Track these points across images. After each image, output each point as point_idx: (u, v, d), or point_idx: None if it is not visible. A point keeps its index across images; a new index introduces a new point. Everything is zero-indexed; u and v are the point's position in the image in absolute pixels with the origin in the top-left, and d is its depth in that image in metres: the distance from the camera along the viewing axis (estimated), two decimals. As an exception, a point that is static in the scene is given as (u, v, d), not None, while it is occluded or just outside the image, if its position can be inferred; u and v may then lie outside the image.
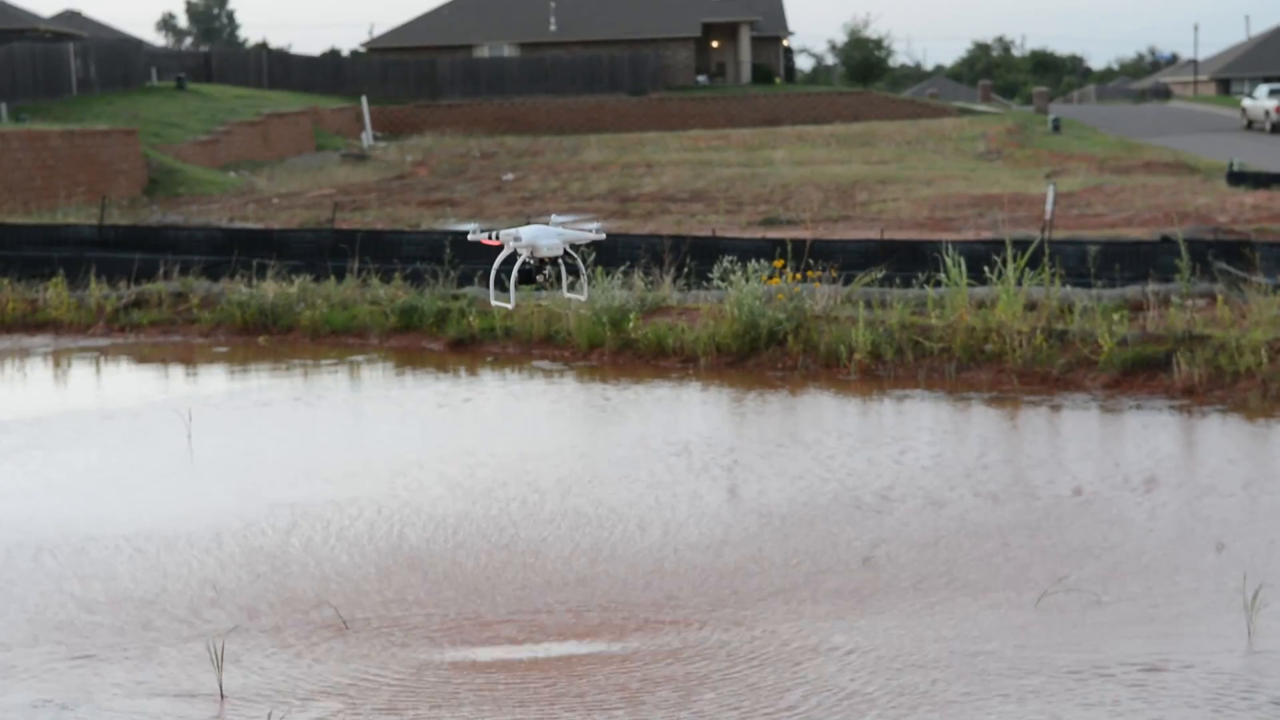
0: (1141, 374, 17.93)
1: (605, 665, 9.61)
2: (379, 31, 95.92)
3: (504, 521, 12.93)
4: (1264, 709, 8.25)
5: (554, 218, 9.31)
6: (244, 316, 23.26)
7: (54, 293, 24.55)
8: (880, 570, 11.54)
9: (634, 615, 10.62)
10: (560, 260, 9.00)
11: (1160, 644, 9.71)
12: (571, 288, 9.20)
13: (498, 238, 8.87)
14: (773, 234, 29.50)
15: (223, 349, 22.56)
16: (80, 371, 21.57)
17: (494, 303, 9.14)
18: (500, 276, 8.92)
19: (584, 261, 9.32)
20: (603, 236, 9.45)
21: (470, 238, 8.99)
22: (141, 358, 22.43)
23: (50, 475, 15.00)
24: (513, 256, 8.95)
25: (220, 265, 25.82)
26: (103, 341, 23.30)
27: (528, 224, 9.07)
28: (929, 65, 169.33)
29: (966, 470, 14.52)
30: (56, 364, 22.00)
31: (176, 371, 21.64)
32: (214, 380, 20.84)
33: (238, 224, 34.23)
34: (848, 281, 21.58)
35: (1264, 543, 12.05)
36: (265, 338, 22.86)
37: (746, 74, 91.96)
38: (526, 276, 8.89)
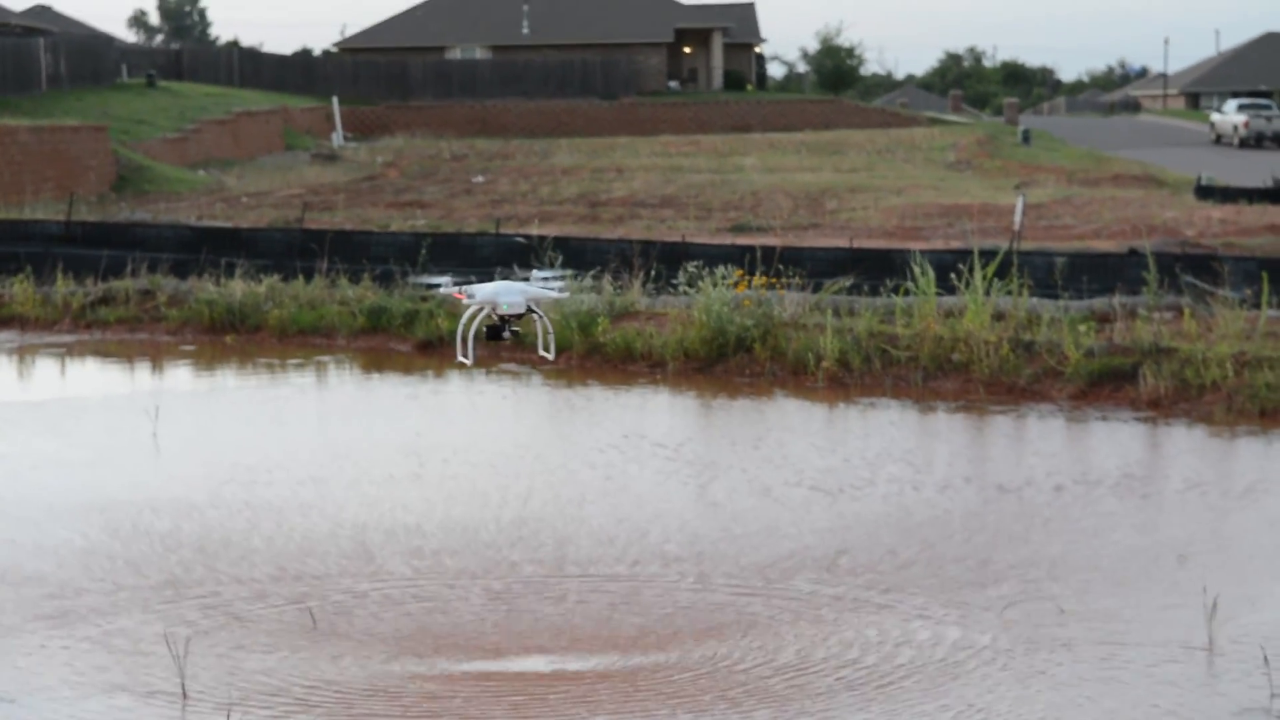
0: (1108, 385, 17.99)
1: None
2: (351, 32, 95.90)
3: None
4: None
5: (535, 273, 9.32)
6: (211, 315, 23.18)
7: (20, 289, 24.44)
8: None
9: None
10: (535, 316, 8.85)
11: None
12: (545, 346, 9.22)
13: (464, 291, 8.79)
14: (742, 240, 29.51)
15: (189, 347, 22.49)
16: (45, 368, 21.50)
17: (458, 357, 8.99)
18: (465, 333, 8.87)
19: (548, 319, 9.13)
20: (566, 295, 9.41)
21: (442, 291, 9.00)
22: (107, 355, 22.36)
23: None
24: (479, 314, 8.86)
25: (188, 263, 25.70)
26: (68, 338, 23.22)
27: (496, 279, 9.17)
28: (900, 74, 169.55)
29: (928, 477, 14.56)
30: (21, 360, 21.90)
31: (142, 369, 21.59)
32: (179, 379, 20.80)
33: (206, 222, 34.09)
34: (817, 289, 21.60)
35: (1225, 555, 12.12)
36: (232, 336, 22.78)
37: (718, 80, 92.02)
38: (493, 333, 8.75)
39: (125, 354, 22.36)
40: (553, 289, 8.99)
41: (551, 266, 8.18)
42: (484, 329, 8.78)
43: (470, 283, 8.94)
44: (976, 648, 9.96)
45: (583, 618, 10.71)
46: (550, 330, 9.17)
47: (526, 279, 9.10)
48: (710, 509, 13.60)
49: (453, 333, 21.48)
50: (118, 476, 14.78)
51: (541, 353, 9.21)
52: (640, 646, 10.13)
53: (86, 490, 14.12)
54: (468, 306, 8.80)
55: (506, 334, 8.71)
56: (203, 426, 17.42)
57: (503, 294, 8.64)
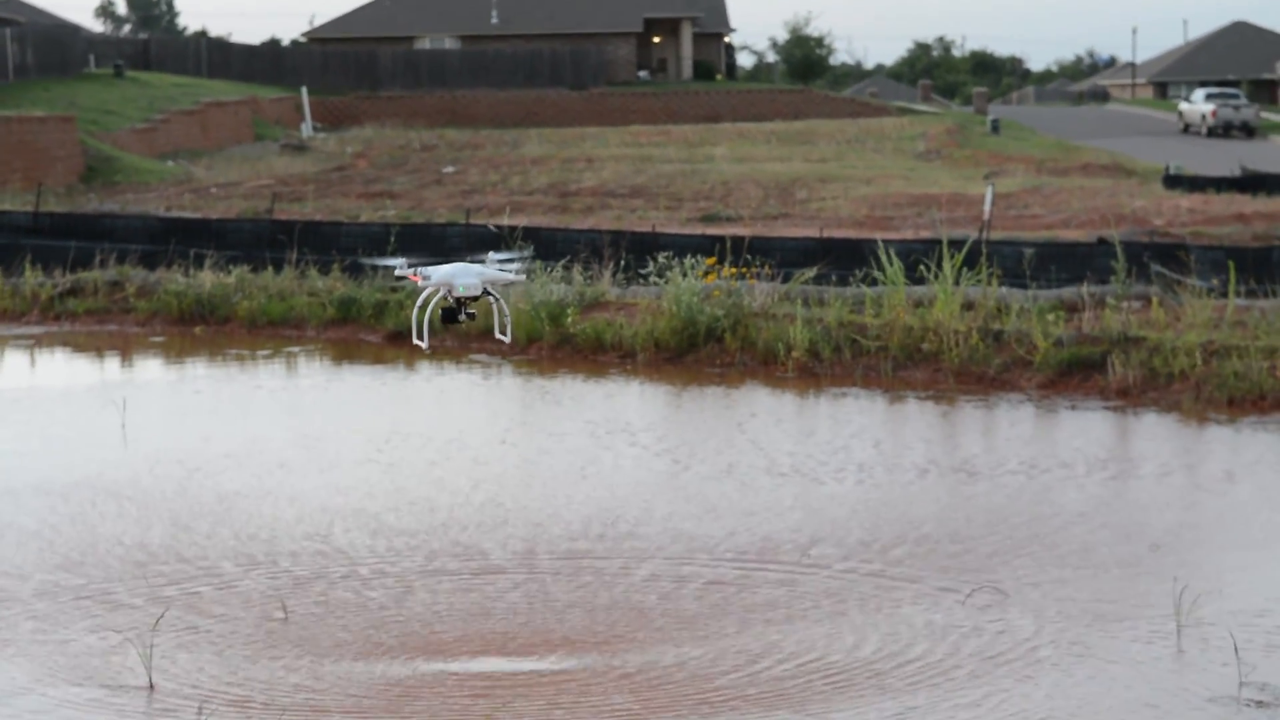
0: (1077, 375, 18.03)
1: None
2: (320, 21, 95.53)
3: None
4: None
5: (491, 255, 8.98)
6: (181, 306, 23.10)
7: (-13, 280, 24.33)
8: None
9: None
10: (492, 298, 8.73)
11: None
12: (501, 329, 9.01)
13: (419, 273, 8.59)
14: (712, 230, 29.53)
15: (158, 339, 22.42)
16: (12, 359, 21.42)
17: (414, 340, 8.77)
18: (420, 317, 8.65)
19: (505, 302, 8.96)
20: (523, 279, 9.11)
21: (397, 274, 8.66)
22: (76, 346, 22.28)
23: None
24: (433, 297, 8.65)
25: (157, 254, 25.62)
26: (37, 330, 23.12)
27: (450, 261, 8.72)
28: (870, 64, 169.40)
29: (895, 463, 14.59)
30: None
31: (110, 360, 21.53)
32: (148, 370, 20.75)
33: (175, 213, 34.00)
34: (786, 279, 21.61)
35: (1195, 545, 12.17)
36: (201, 328, 22.71)
37: (688, 70, 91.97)
38: (449, 316, 8.55)
39: (94, 345, 22.29)
40: (510, 271, 8.74)
41: (517, 250, 7.85)
42: (439, 312, 8.60)
43: (426, 264, 8.70)
44: (945, 627, 9.99)
45: (552, 610, 10.71)
46: (506, 313, 9.02)
47: (482, 261, 8.68)
48: (683, 495, 13.61)
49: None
50: (85, 465, 14.71)
51: (498, 335, 8.98)
52: (612, 636, 10.14)
53: (53, 475, 14.06)
54: (423, 289, 8.61)
55: (462, 317, 8.53)
56: (170, 417, 17.36)
57: (459, 276, 8.46)
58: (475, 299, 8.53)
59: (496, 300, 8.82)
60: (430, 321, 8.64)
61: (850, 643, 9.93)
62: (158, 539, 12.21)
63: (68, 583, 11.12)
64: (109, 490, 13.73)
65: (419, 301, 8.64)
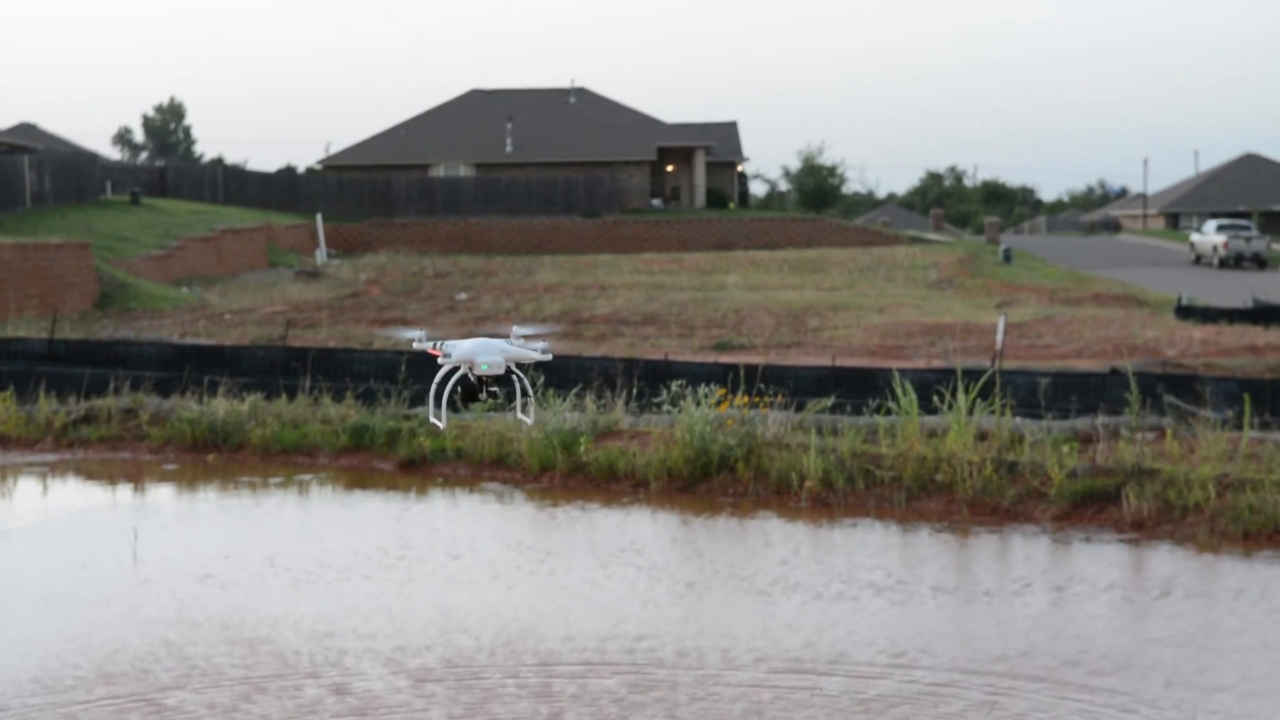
0: (1091, 506, 17.97)
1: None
2: (335, 149, 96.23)
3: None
4: None
5: (516, 329, 8.62)
6: (194, 433, 23.10)
7: (2, 408, 24.34)
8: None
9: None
10: (514, 378, 8.25)
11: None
12: (523, 409, 8.58)
13: (439, 348, 8.12)
14: (725, 359, 29.57)
15: (172, 466, 22.40)
16: (25, 488, 21.40)
17: (430, 419, 8.52)
18: (439, 393, 8.19)
19: (531, 382, 8.52)
20: (549, 357, 8.51)
21: (415, 346, 8.05)
22: (89, 474, 22.27)
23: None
24: (453, 373, 8.20)
25: (171, 381, 25.68)
26: (50, 457, 23.11)
27: (472, 337, 8.23)
28: (882, 193, 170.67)
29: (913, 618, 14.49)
30: (1, 480, 21.79)
31: (123, 488, 21.50)
32: (160, 498, 20.73)
33: (189, 340, 34.11)
34: (799, 408, 21.61)
35: (1208, 679, 12.07)
36: (215, 455, 22.70)
37: (701, 198, 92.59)
38: (469, 394, 8.12)
39: (107, 473, 22.27)
40: (535, 349, 8.27)
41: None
42: (459, 390, 8.16)
43: (447, 340, 8.25)
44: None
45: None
46: (530, 394, 8.58)
47: (506, 337, 8.22)
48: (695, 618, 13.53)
49: (436, 451, 21.51)
50: (94, 595, 14.65)
51: (519, 415, 8.53)
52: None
53: (58, 609, 14.01)
54: (442, 365, 8.16)
55: (483, 396, 8.11)
56: (181, 545, 17.31)
57: (481, 352, 8.06)
58: (498, 378, 8.14)
59: (520, 379, 8.38)
60: (449, 400, 8.21)
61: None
62: (163, 666, 12.14)
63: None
64: (116, 619, 13.67)
65: (437, 378, 8.24)
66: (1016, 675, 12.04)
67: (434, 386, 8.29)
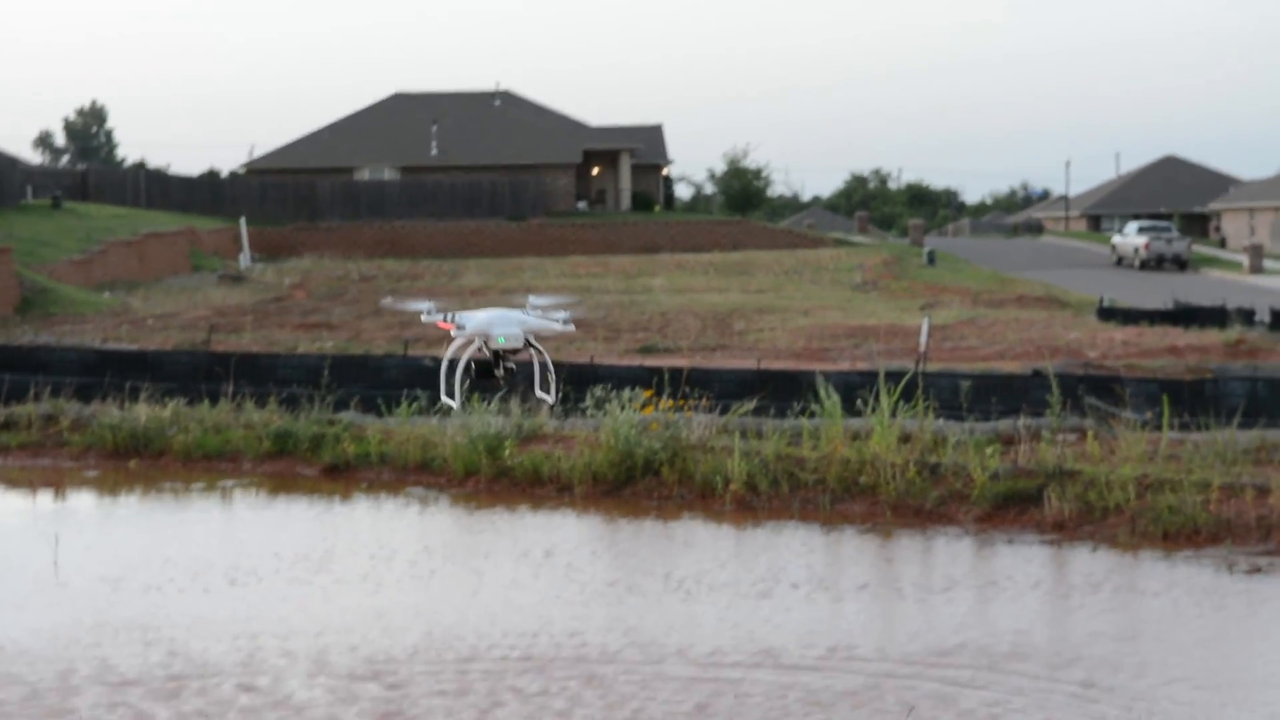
0: (1013, 508, 18.08)
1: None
2: (259, 153, 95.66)
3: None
4: None
5: (531, 299, 7.74)
6: (115, 440, 22.89)
7: (-80, 413, 24.09)
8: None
9: None
10: (532, 352, 7.69)
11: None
12: (543, 386, 7.99)
13: (452, 320, 7.49)
14: (650, 362, 29.58)
15: (93, 473, 22.21)
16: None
17: (443, 398, 7.69)
18: (450, 370, 7.60)
19: (549, 357, 7.82)
20: (571, 328, 7.94)
21: (424, 319, 7.46)
22: (9, 481, 22.05)
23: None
24: (466, 347, 7.60)
25: (93, 387, 25.45)
26: (-31, 463, 22.88)
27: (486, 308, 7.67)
28: (807, 196, 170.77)
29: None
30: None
31: (43, 495, 21.31)
32: (80, 504, 20.56)
33: (111, 345, 33.80)
34: (724, 411, 21.64)
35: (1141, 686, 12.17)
36: (136, 462, 22.50)
37: (626, 201, 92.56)
38: (485, 370, 7.59)
39: (27, 480, 22.06)
40: (556, 319, 7.71)
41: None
42: (473, 365, 7.59)
43: (460, 310, 7.61)
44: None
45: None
46: (550, 368, 7.96)
47: (523, 306, 7.56)
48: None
49: (361, 456, 21.41)
50: (8, 599, 14.54)
51: (539, 394, 7.91)
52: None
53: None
54: (454, 339, 7.56)
55: (500, 371, 7.60)
56: (102, 551, 17.18)
57: (498, 324, 7.48)
58: (516, 352, 7.56)
59: (540, 353, 7.80)
60: (464, 375, 7.66)
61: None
62: (81, 673, 12.05)
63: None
64: (30, 625, 13.57)
65: (448, 354, 7.68)
66: (955, 667, 12.11)
67: (444, 364, 7.64)
